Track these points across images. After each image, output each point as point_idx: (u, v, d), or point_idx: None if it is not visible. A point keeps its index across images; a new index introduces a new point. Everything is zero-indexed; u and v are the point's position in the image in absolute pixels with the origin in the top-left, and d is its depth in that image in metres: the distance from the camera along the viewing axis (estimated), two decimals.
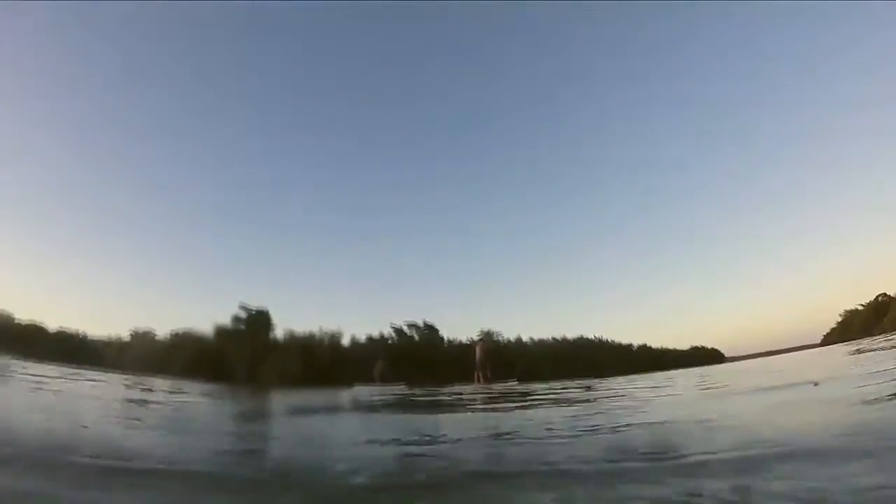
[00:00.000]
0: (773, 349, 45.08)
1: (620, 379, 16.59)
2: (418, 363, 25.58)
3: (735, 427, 4.00)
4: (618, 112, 65.00)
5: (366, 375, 19.96)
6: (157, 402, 8.09)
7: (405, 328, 31.22)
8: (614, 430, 4.13)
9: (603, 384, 12.98)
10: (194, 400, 9.64)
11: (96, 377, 13.74)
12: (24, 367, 13.05)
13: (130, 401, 8.02)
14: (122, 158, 57.98)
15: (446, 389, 14.12)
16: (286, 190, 61.21)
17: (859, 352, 14.26)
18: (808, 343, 46.96)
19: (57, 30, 50.93)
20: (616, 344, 36.97)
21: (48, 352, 26.46)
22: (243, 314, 28.75)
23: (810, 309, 58.55)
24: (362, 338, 30.71)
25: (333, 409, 8.33)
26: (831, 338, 43.53)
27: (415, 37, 61.97)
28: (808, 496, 1.91)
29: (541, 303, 57.00)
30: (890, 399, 4.32)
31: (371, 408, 8.48)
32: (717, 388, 8.85)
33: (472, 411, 7.48)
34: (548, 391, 10.48)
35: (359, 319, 64.41)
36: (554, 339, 34.30)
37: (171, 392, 11.01)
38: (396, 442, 4.12)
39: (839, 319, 45.09)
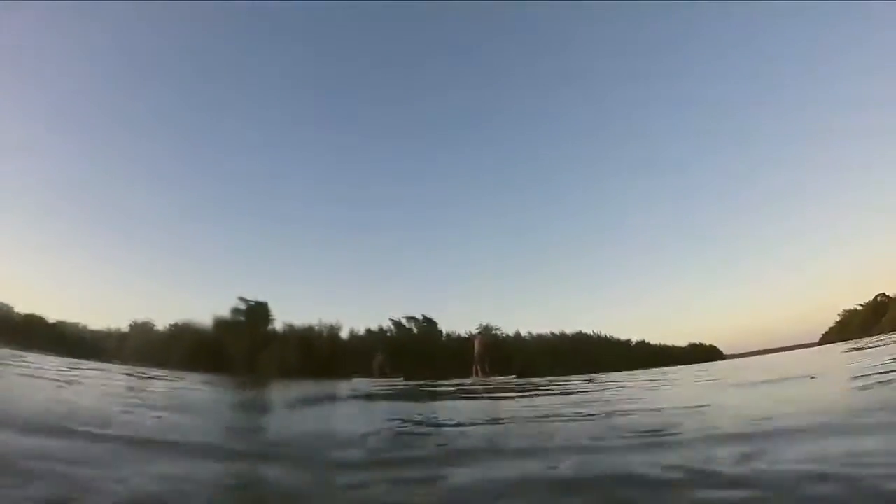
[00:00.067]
0: (772, 347, 45.25)
1: (620, 374, 16.65)
2: (417, 356, 25.63)
3: (727, 409, 4.16)
4: (618, 111, 65.12)
5: (364, 368, 20.04)
6: (156, 389, 8.12)
7: (404, 321, 31.29)
8: (615, 413, 4.20)
9: (604, 378, 13.05)
10: (193, 387, 9.67)
11: (95, 367, 13.78)
12: (22, 357, 13.08)
13: (130, 388, 8.05)
14: (122, 151, 57.99)
15: (445, 382, 14.16)
16: (286, 182, 61.32)
17: (857, 349, 14.31)
18: (807, 342, 47.16)
19: (59, 24, 50.76)
20: (615, 340, 37.07)
21: (47, 343, 26.54)
22: (242, 306, 28.80)
23: (809, 308, 58.85)
24: (361, 330, 30.81)
25: (332, 398, 8.36)
26: (829, 337, 43.66)
27: (416, 33, 61.88)
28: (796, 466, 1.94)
29: (540, 298, 57.25)
30: (881, 384, 4.46)
31: (370, 396, 8.52)
32: (714, 380, 8.93)
33: (474, 400, 7.51)
34: (548, 384, 10.53)
35: (358, 312, 64.64)
36: (553, 334, 34.40)
37: (169, 380, 11.05)
38: (395, 422, 4.14)
39: (838, 319, 45.25)
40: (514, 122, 65.73)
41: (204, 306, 56.98)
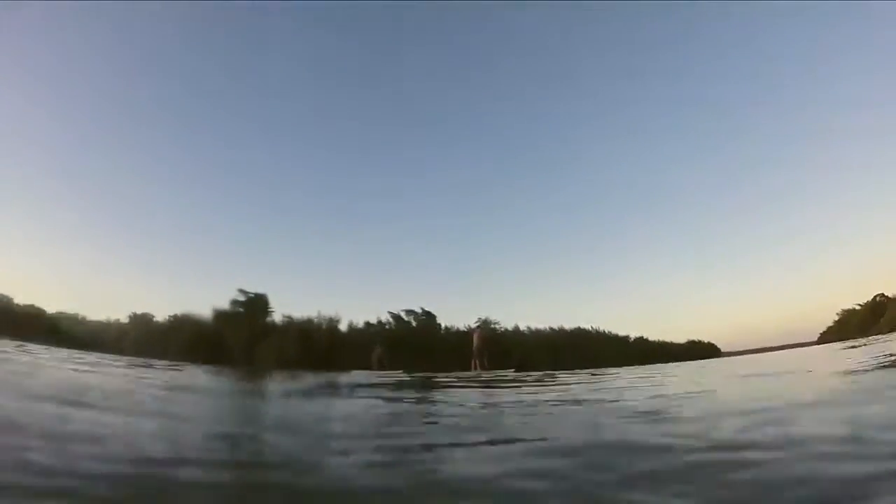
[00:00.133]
0: (769, 346, 45.38)
1: (619, 369, 16.75)
2: (416, 350, 25.66)
3: (721, 396, 4.38)
4: (618, 108, 64.73)
5: (363, 361, 20.00)
6: (156, 378, 8.15)
7: (403, 315, 31.29)
8: (616, 400, 4.25)
9: (603, 372, 13.13)
10: (191, 374, 9.72)
11: (95, 358, 13.78)
12: (22, 348, 13.08)
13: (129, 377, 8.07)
14: (121, 143, 57.58)
15: (445, 374, 14.20)
16: (286, 174, 60.97)
17: (854, 347, 14.46)
18: (805, 341, 47.29)
19: (65, 17, 50.37)
20: (613, 335, 37.06)
21: (47, 335, 26.53)
22: (242, 298, 28.78)
23: (808, 308, 58.83)
24: (360, 323, 30.78)
25: (333, 387, 8.39)
26: (827, 336, 43.74)
27: (417, 28, 61.44)
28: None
29: (539, 292, 57.03)
30: (865, 371, 4.88)
31: (371, 386, 8.54)
32: (712, 373, 9.05)
33: (475, 389, 7.55)
34: (548, 377, 10.58)
35: (357, 304, 64.24)
36: (551, 328, 34.38)
37: (169, 370, 11.09)
38: (394, 402, 4.17)
39: (836, 318, 45.32)
40: (513, 117, 65.34)
41: (203, 298, 56.88)
